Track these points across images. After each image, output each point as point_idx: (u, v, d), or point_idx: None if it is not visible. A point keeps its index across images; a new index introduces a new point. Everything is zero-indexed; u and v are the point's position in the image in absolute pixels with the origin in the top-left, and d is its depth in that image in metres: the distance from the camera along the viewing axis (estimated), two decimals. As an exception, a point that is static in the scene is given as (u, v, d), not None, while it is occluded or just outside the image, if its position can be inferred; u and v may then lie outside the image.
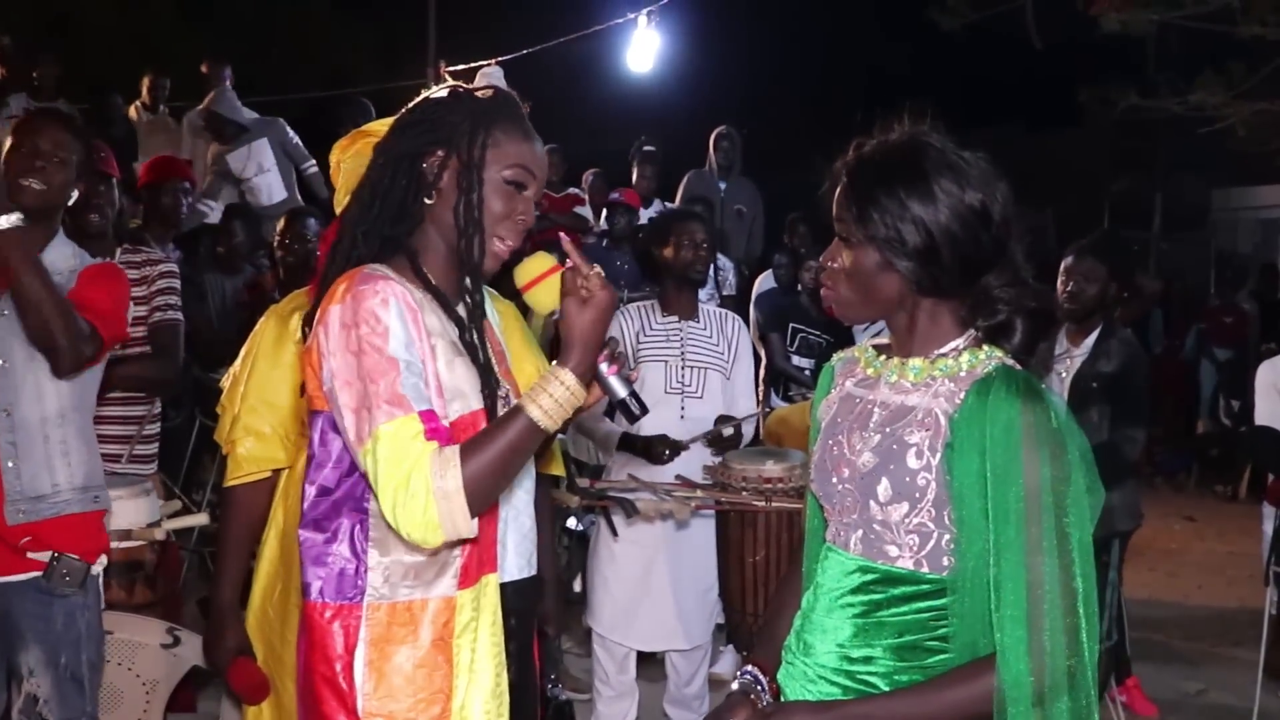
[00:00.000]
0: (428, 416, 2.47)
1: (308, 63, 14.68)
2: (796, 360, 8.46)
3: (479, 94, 2.74)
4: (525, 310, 3.24)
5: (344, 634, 2.60)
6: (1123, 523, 5.83)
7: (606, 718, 5.63)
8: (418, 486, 2.39)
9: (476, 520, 2.47)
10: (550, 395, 2.48)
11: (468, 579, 2.64)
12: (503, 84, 3.26)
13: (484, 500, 2.47)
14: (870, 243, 2.41)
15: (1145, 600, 8.58)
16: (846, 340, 7.86)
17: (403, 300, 2.54)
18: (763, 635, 2.81)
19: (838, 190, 2.49)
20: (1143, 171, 19.71)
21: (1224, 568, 10.04)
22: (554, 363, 2.53)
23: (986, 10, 11.63)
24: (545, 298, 2.64)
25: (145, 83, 11.00)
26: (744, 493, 4.99)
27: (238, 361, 3.79)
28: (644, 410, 2.70)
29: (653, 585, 5.47)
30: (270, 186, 10.07)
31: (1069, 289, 5.80)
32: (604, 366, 2.62)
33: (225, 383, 3.82)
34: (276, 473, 3.71)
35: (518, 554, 2.82)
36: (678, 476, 5.19)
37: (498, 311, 3.10)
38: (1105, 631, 5.80)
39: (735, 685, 2.66)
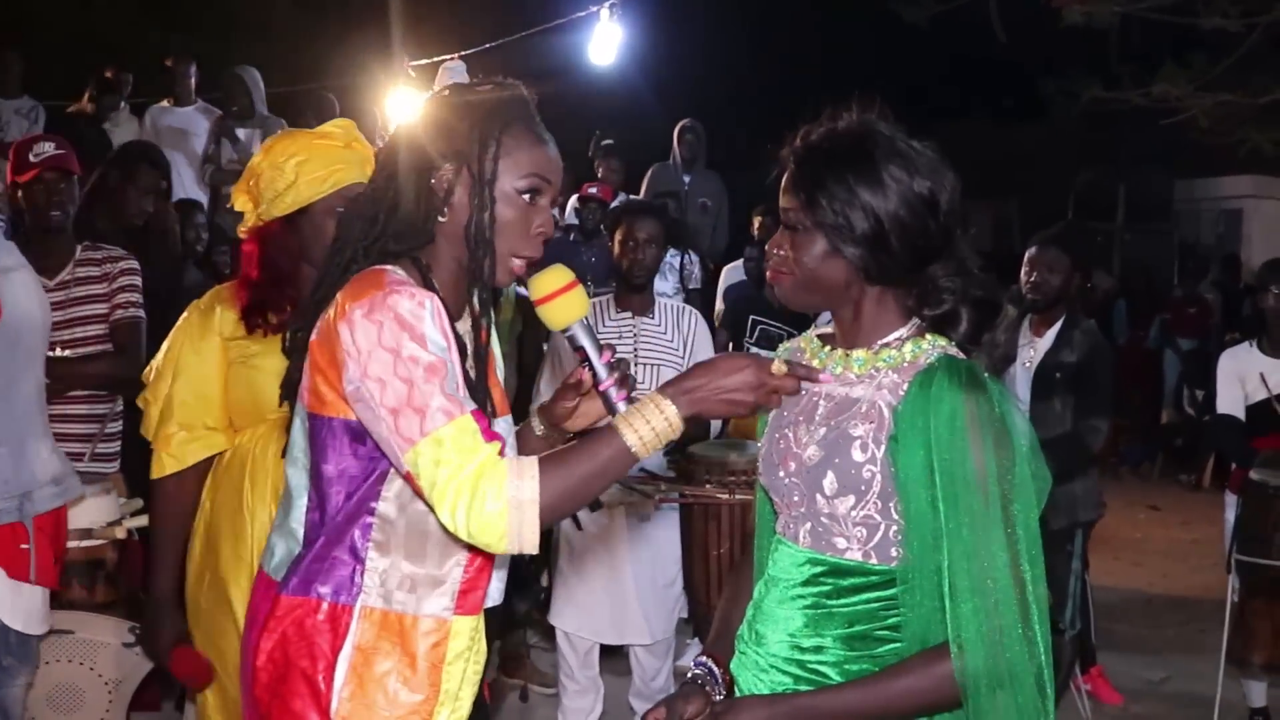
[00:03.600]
0: (478, 416, 2.39)
1: (270, 58, 14.60)
2: (757, 351, 8.46)
3: (487, 95, 2.60)
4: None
5: (333, 633, 2.53)
6: (1085, 513, 5.86)
7: (572, 712, 5.62)
8: (490, 490, 2.31)
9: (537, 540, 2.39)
10: (650, 425, 2.38)
11: (471, 606, 2.59)
12: (465, 78, 3.25)
13: (558, 517, 2.42)
14: (818, 229, 2.40)
15: (1110, 589, 8.61)
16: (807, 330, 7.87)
17: (434, 303, 2.44)
18: (716, 626, 2.80)
19: (785, 177, 2.49)
20: (1106, 163, 19.79)
21: (1188, 556, 10.12)
22: (661, 389, 2.43)
23: (950, 3, 11.64)
24: (560, 315, 2.57)
25: (108, 76, 10.93)
26: (708, 485, 4.99)
27: (160, 355, 3.75)
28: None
29: (616, 579, 5.46)
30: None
31: (1033, 279, 5.82)
32: (614, 390, 2.55)
33: (147, 376, 3.77)
34: (205, 462, 3.69)
35: (498, 580, 2.73)
36: (641, 469, 5.18)
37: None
38: (1070, 620, 5.83)
39: (689, 676, 2.67)
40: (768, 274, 2.55)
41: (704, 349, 5.60)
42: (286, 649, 2.56)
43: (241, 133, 10.12)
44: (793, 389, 2.42)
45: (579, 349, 2.60)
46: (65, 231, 5.20)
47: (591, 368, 2.59)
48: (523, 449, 2.74)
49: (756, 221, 10.62)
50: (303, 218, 3.52)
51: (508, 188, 2.52)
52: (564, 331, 2.59)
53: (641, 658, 5.66)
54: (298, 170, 3.49)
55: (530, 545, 2.35)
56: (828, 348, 2.56)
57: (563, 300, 2.56)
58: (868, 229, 2.36)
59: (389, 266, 2.53)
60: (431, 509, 2.39)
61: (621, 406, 2.51)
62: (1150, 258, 18.71)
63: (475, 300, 2.59)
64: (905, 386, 2.35)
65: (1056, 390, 5.67)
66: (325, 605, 2.54)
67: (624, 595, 5.46)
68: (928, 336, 2.43)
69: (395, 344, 2.37)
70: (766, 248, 2.55)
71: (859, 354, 2.46)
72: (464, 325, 2.64)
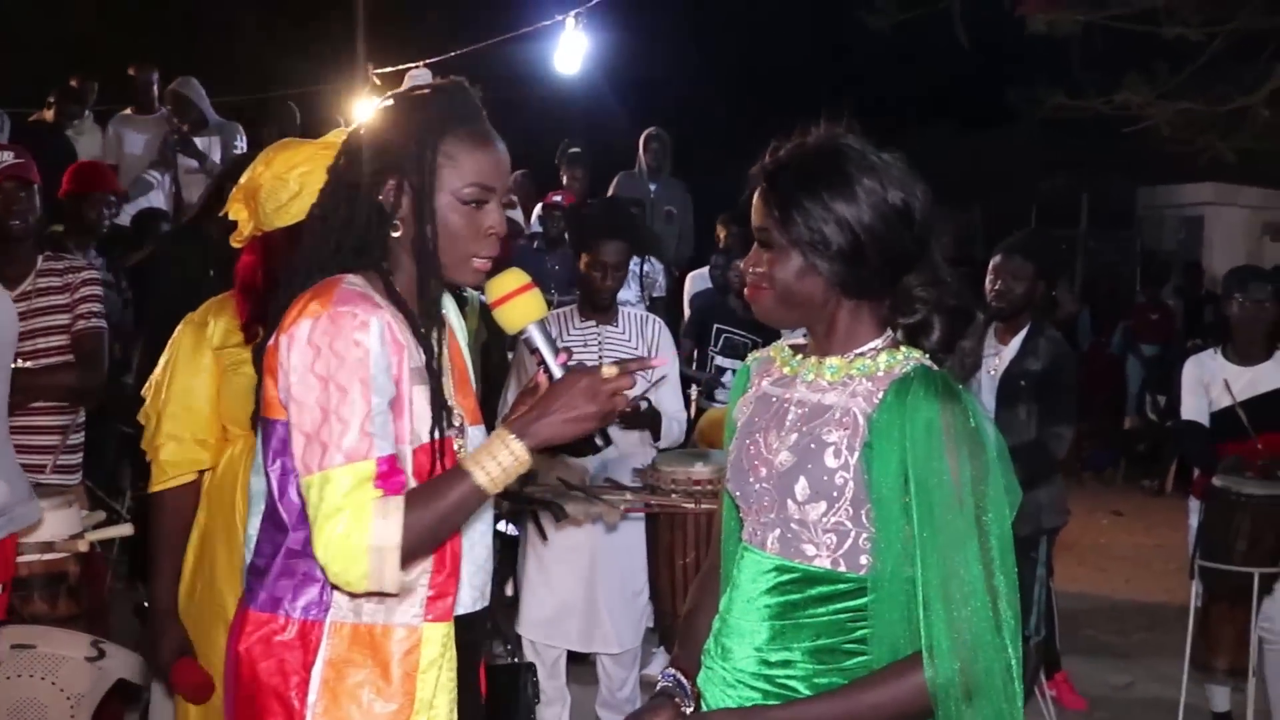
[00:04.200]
0: (386, 462, 2.43)
1: (233, 66, 14.55)
2: (722, 361, 8.44)
3: (425, 100, 2.60)
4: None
5: (303, 650, 2.54)
6: (1050, 519, 5.87)
7: (538, 722, 5.61)
8: (354, 531, 2.36)
9: (401, 575, 2.43)
10: (498, 463, 2.43)
11: (440, 613, 2.60)
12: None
13: (418, 557, 2.46)
14: (793, 246, 2.40)
15: (1074, 594, 8.65)
16: (772, 340, 7.87)
17: (386, 324, 2.48)
18: (682, 637, 2.79)
19: (756, 195, 2.48)
20: (1069, 170, 19.89)
21: (1151, 561, 10.16)
22: (507, 424, 2.49)
23: (914, 11, 11.68)
24: (515, 316, 2.59)
25: (71, 85, 10.90)
26: (673, 495, 5.00)
27: (157, 369, 3.78)
28: (607, 441, 2.68)
29: (583, 589, 5.46)
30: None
31: (997, 287, 5.83)
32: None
33: (146, 391, 3.79)
34: (201, 475, 3.73)
35: (471, 586, 2.72)
36: (607, 479, 5.19)
37: (465, 324, 3.00)
38: (1035, 626, 5.84)
39: (657, 688, 2.66)
40: (745, 291, 2.55)
41: (667, 356, 5.60)
42: (255, 667, 2.57)
43: (200, 141, 10.08)
44: (629, 384, 2.49)
45: (535, 351, 2.60)
46: (26, 241, 5.16)
47: (547, 370, 2.59)
48: None
49: (722, 229, 10.64)
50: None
51: (450, 197, 2.53)
52: (520, 334, 2.60)
53: (608, 667, 5.65)
54: (302, 181, 3.46)
55: (391, 585, 2.41)
56: (799, 356, 2.56)
57: (518, 301, 2.58)
58: (844, 244, 2.36)
59: (349, 275, 2.54)
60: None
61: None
62: (1113, 264, 18.80)
63: (428, 313, 2.60)
64: (880, 395, 2.35)
65: (1021, 398, 5.68)
66: (295, 624, 2.56)
67: (592, 604, 5.46)
68: (902, 348, 2.44)
69: (325, 373, 2.42)
70: (742, 265, 2.54)
71: (832, 361, 2.46)
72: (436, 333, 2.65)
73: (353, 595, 2.50)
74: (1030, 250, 5.93)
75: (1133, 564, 10.19)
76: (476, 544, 2.74)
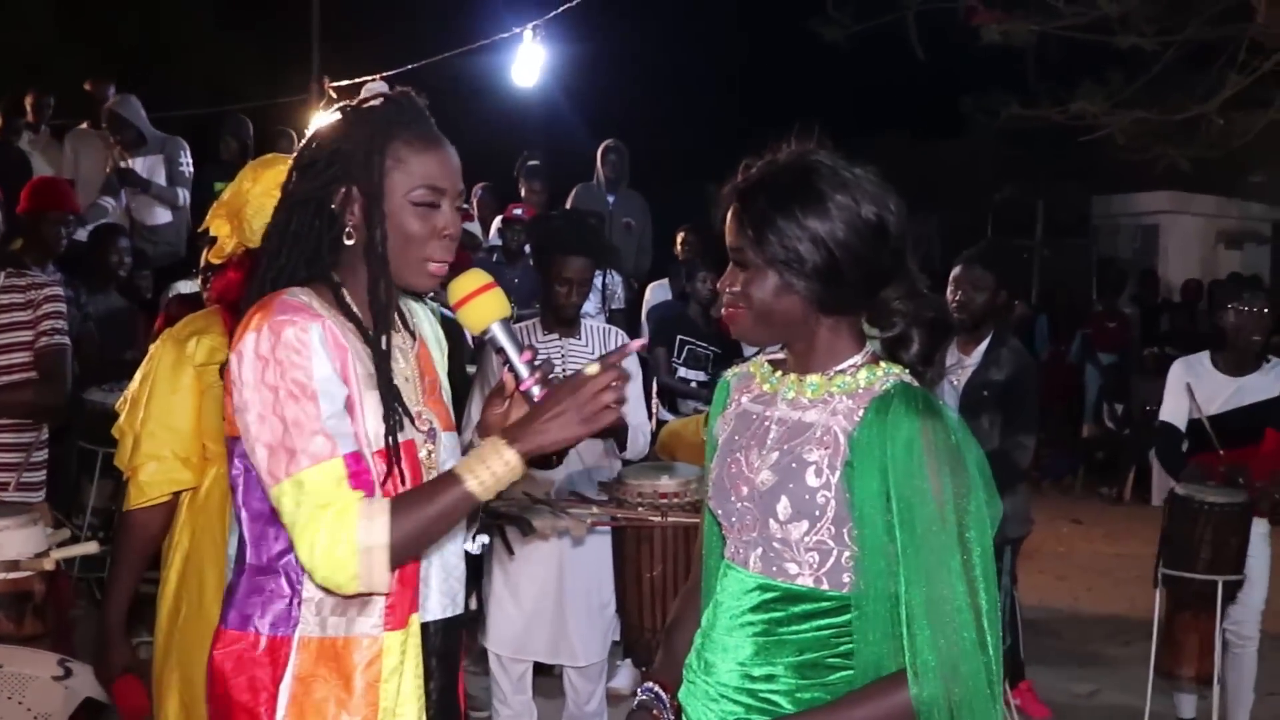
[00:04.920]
0: (353, 459, 2.44)
1: (189, 79, 14.50)
2: (685, 372, 8.44)
3: (371, 109, 2.60)
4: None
5: (273, 666, 2.55)
6: (1014, 529, 5.89)
7: (506, 738, 5.58)
8: (341, 536, 2.35)
9: (392, 576, 2.43)
10: (490, 470, 2.42)
11: (396, 621, 2.58)
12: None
13: (406, 558, 2.47)
14: (769, 266, 2.39)
15: (1036, 603, 8.67)
16: (734, 351, 7.88)
17: (326, 328, 2.48)
18: (663, 652, 2.79)
19: (729, 214, 2.47)
20: (1024, 180, 20.00)
21: (1111, 569, 10.21)
22: (501, 432, 2.48)
23: (869, 21, 11.71)
24: (477, 315, 2.56)
25: (29, 101, 10.83)
26: (640, 508, 4.97)
27: (134, 385, 3.76)
28: (561, 457, 2.69)
29: (548, 602, 5.43)
30: (155, 206, 10.00)
31: (958, 299, 5.84)
32: (537, 390, 2.54)
33: (120, 407, 3.76)
34: (175, 496, 3.70)
35: (442, 593, 2.73)
36: (572, 493, 5.17)
37: (437, 332, 2.97)
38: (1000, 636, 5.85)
39: (636, 702, 2.65)
40: (722, 311, 2.54)
41: (630, 367, 5.59)
42: (227, 684, 2.58)
43: (141, 162, 9.99)
44: (617, 381, 2.43)
45: (500, 351, 2.58)
46: None
47: (513, 369, 2.57)
48: None
49: (680, 240, 10.64)
50: None
51: (400, 201, 2.52)
52: (484, 334, 2.57)
53: (575, 680, 5.63)
54: None
55: (381, 586, 2.42)
56: (779, 373, 2.56)
57: (479, 301, 2.56)
58: (819, 261, 2.36)
59: (294, 289, 2.54)
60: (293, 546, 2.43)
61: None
62: (1069, 273, 18.91)
63: (379, 319, 2.57)
64: (861, 413, 2.35)
65: (985, 408, 5.70)
66: (264, 640, 2.56)
67: (558, 617, 5.43)
68: (881, 364, 2.44)
69: (276, 381, 2.42)
70: (718, 286, 2.53)
71: (812, 379, 2.46)
72: (396, 339, 2.66)
73: (343, 596, 2.49)
74: (990, 260, 5.95)
75: (1093, 572, 10.24)
76: (446, 550, 2.74)
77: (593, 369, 2.45)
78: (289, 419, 2.40)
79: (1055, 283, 17.60)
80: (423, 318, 2.88)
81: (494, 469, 2.42)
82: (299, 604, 2.54)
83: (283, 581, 2.56)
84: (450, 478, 2.44)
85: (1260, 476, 5.95)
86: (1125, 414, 13.36)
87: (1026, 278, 18.61)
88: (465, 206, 10.38)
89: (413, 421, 2.63)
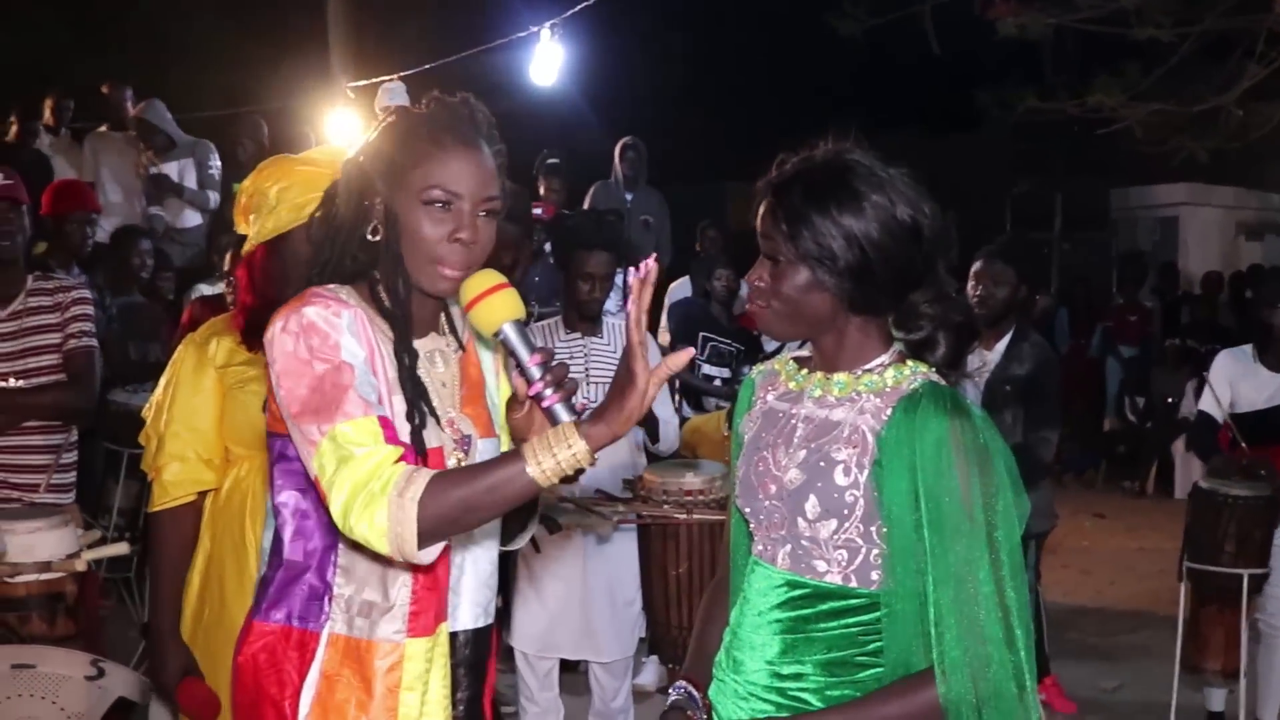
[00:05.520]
0: (385, 422, 2.38)
1: (204, 81, 14.52)
2: (708, 369, 8.44)
3: (418, 111, 2.58)
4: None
5: (300, 660, 2.55)
6: (1037, 524, 5.86)
7: (532, 735, 5.60)
8: (376, 488, 2.27)
9: (433, 550, 2.33)
10: (556, 459, 2.28)
11: (423, 627, 2.57)
12: (405, 100, 3.21)
13: (443, 527, 2.31)
14: (801, 261, 2.39)
15: (1059, 598, 8.66)
16: (756, 348, 7.89)
17: (356, 315, 2.48)
18: (692, 649, 2.79)
19: (762, 208, 2.47)
20: (1042, 173, 19.94)
21: (1135, 563, 10.18)
22: (574, 420, 2.34)
23: (884, 15, 11.69)
24: (488, 318, 2.46)
25: (48, 104, 10.89)
26: (665, 506, 4.99)
27: (158, 389, 3.79)
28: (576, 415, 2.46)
29: (574, 599, 5.45)
30: (185, 209, 10.08)
31: (978, 293, 5.83)
32: (549, 392, 2.38)
33: (147, 412, 3.78)
34: (202, 496, 3.72)
35: (473, 602, 2.70)
36: (598, 491, 5.18)
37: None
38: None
39: (669, 702, 2.65)
40: (748, 305, 2.54)
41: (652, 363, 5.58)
42: (258, 676, 2.59)
43: (171, 166, 10.06)
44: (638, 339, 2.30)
45: (511, 353, 2.48)
46: (16, 262, 5.16)
47: (523, 371, 2.45)
48: None
49: (702, 237, 10.64)
50: (283, 243, 3.51)
51: (413, 198, 2.49)
52: (496, 335, 2.48)
53: (600, 677, 5.64)
54: (279, 196, 3.49)
55: (411, 547, 2.29)
56: (804, 371, 2.56)
57: (491, 300, 2.47)
58: (852, 260, 2.36)
59: (331, 285, 2.56)
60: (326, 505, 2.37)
61: (560, 410, 2.37)
62: (1088, 266, 18.85)
63: (400, 317, 2.56)
64: (889, 411, 2.36)
65: (1007, 403, 5.68)
66: (294, 632, 2.57)
67: (585, 614, 5.45)
68: (909, 363, 2.44)
69: (307, 353, 2.41)
70: (745, 278, 2.53)
71: (840, 377, 2.46)
72: (429, 343, 2.65)
73: (385, 563, 2.48)
74: (1011, 255, 5.95)
75: (1116, 566, 10.22)
76: (480, 559, 2.72)
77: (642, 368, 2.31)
78: (320, 385, 2.38)
79: (1075, 276, 17.53)
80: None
81: (560, 457, 2.28)
82: (330, 600, 2.55)
83: (316, 577, 2.56)
84: (512, 455, 2.32)
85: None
86: (1147, 407, 13.33)
87: (1046, 272, 18.55)
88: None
89: (439, 425, 2.60)
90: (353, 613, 2.55)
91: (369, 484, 2.28)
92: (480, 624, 2.73)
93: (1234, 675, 5.94)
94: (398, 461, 2.33)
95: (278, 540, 2.63)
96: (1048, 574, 8.08)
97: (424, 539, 2.29)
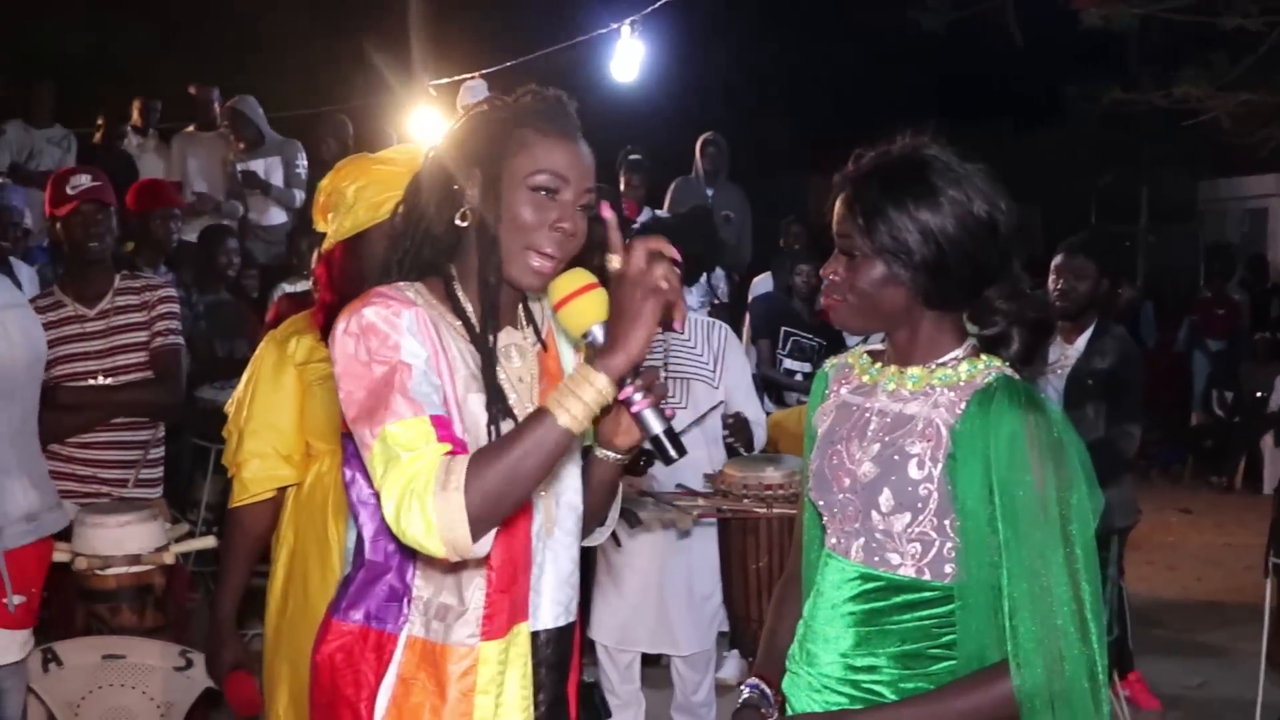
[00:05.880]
0: (440, 422, 2.31)
1: (287, 80, 14.66)
2: (789, 364, 8.44)
3: (516, 98, 2.54)
4: None
5: (378, 662, 2.53)
6: (1121, 519, 5.84)
7: (614, 727, 5.64)
8: (419, 486, 2.21)
9: (486, 541, 2.27)
10: (580, 400, 2.23)
11: (495, 630, 2.53)
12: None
13: (492, 507, 2.23)
14: (877, 255, 2.41)
15: (1144, 594, 8.59)
16: (838, 343, 7.87)
17: (418, 315, 2.43)
18: (764, 646, 2.81)
19: (839, 202, 2.48)
20: (1128, 166, 19.75)
21: (1222, 559, 10.06)
22: (587, 359, 2.30)
23: (967, 9, 11.62)
24: (577, 318, 2.39)
25: (136, 106, 11.06)
26: (745, 500, 5.00)
27: (240, 386, 3.84)
28: (681, 451, 2.37)
29: (651, 592, 5.48)
30: (271, 207, 10.20)
31: (1060, 287, 5.80)
32: (638, 397, 2.34)
33: (230, 408, 3.85)
34: (281, 492, 3.77)
35: (554, 601, 2.64)
36: (679, 485, 5.20)
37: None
38: (1108, 626, 5.81)
39: (741, 700, 2.66)
40: (822, 298, 2.55)
41: (736, 361, 5.61)
42: (334, 676, 2.58)
43: (259, 163, 10.19)
44: (656, 242, 2.27)
45: None
46: (104, 262, 5.26)
47: None
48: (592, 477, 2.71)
49: (786, 232, 10.64)
50: (360, 242, 3.54)
51: (518, 183, 2.44)
52: (584, 337, 2.41)
53: (681, 670, 5.67)
54: (356, 195, 3.53)
55: (465, 541, 2.22)
56: (878, 364, 2.57)
57: (581, 301, 2.39)
58: (928, 254, 2.37)
59: (399, 283, 2.52)
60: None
61: (649, 415, 2.35)
62: (1175, 259, 18.66)
63: (487, 310, 2.50)
64: (963, 405, 2.36)
65: (1089, 397, 5.65)
66: (372, 635, 2.55)
67: (662, 607, 5.48)
68: (983, 357, 2.45)
69: (366, 355, 2.38)
70: (820, 272, 2.54)
71: (914, 371, 2.47)
72: (505, 337, 2.60)
73: (443, 567, 2.45)
74: (1092, 249, 5.91)
75: (1203, 562, 10.10)
76: (560, 556, 2.66)
77: (615, 260, 2.30)
78: (374, 386, 2.34)
79: (1161, 269, 17.37)
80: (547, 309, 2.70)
81: (584, 397, 2.24)
82: (409, 602, 2.53)
83: (396, 579, 2.54)
84: (538, 412, 2.27)
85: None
86: (1235, 401, 13.16)
87: (1131, 265, 18.36)
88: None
89: (517, 423, 2.44)
90: (430, 615, 2.52)
91: (412, 484, 2.23)
92: (562, 623, 2.68)
93: (1318, 670, 5.88)
94: (445, 456, 2.26)
95: (359, 540, 2.62)
96: (1132, 569, 8.02)
97: (475, 525, 2.22)
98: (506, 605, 2.54)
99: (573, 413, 2.24)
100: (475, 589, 2.52)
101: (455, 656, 2.51)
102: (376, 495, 2.38)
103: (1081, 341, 5.81)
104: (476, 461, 2.24)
